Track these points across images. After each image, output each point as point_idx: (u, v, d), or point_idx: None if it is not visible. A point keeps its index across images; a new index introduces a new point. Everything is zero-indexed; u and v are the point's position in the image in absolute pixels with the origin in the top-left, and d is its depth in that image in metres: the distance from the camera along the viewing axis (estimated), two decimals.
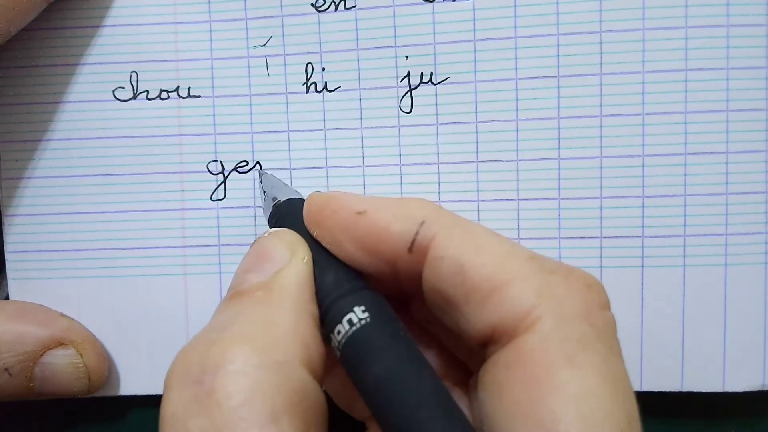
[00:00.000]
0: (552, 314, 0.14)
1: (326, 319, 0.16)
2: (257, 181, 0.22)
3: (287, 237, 0.17)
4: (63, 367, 0.21)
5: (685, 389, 0.21)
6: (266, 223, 0.22)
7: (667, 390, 0.21)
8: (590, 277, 0.16)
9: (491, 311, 0.15)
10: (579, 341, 0.14)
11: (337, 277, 0.17)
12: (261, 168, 0.22)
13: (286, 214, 0.19)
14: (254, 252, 0.17)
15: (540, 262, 0.15)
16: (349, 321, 0.16)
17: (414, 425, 0.14)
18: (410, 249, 0.16)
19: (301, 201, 0.18)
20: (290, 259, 0.17)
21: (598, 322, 0.15)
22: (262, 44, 0.22)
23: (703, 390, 0.21)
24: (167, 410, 0.14)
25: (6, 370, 0.20)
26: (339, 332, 0.16)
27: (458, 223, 0.16)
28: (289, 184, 0.22)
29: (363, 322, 0.15)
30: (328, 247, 0.17)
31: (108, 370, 0.22)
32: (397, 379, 0.14)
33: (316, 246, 0.17)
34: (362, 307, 0.16)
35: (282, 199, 0.20)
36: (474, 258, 0.15)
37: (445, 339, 0.18)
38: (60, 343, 0.21)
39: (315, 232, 0.17)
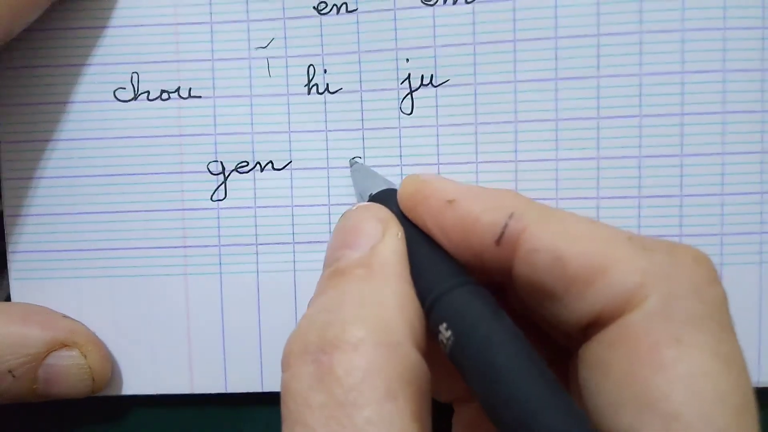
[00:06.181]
0: (659, 293, 0.14)
1: (432, 311, 0.16)
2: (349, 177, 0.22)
3: (377, 211, 0.17)
4: (67, 368, 0.21)
5: None
6: (268, 223, 0.22)
7: None
8: (696, 251, 0.15)
9: (594, 298, 0.14)
10: (687, 319, 0.14)
11: (438, 266, 0.16)
12: (355, 161, 0.22)
13: (382, 201, 0.18)
14: (345, 227, 0.17)
15: (641, 241, 0.15)
16: None
17: (535, 417, 0.13)
18: (498, 242, 0.15)
19: (395, 191, 0.18)
20: (384, 234, 0.16)
21: (707, 298, 0.14)
22: (263, 46, 0.22)
23: None
24: (290, 386, 0.14)
25: (9, 372, 0.20)
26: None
27: (550, 213, 0.16)
28: (290, 185, 0.22)
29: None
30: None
31: (111, 371, 0.22)
32: (516, 370, 0.14)
33: (411, 229, 0.17)
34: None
35: (376, 191, 0.19)
36: (571, 247, 0.15)
37: (540, 322, 0.17)
38: (64, 345, 0.21)
39: (409, 217, 0.17)
